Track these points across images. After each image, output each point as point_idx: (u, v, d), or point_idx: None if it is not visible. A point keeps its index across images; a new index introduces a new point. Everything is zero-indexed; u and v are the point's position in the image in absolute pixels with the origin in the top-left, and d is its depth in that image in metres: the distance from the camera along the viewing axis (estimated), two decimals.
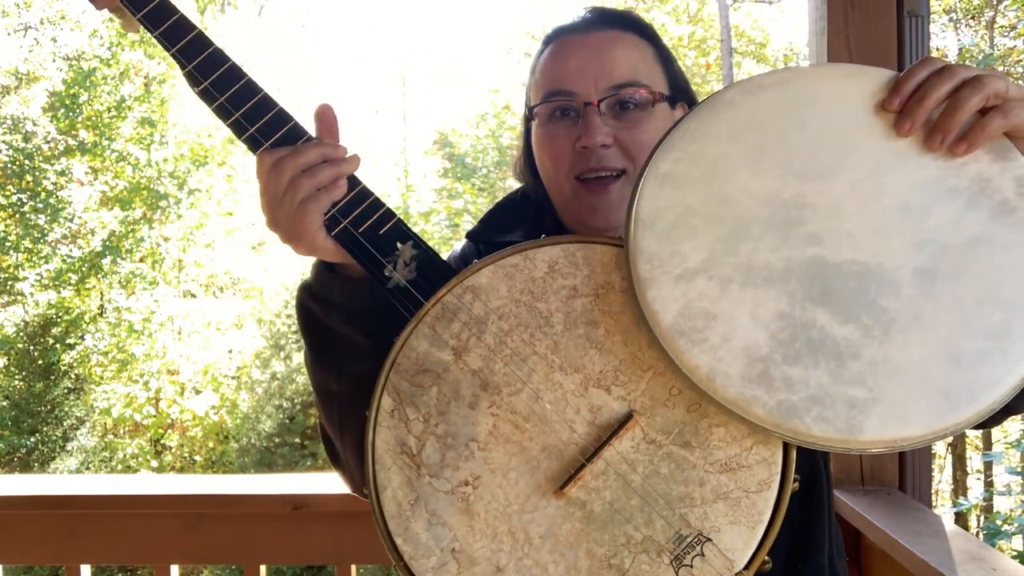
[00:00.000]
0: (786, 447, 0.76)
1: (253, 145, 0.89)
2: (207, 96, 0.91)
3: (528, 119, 1.09)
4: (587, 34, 1.03)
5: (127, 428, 11.20)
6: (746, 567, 0.75)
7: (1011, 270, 0.71)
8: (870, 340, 0.71)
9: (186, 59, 0.91)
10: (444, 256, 1.10)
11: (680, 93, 1.07)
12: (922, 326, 0.70)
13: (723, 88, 0.81)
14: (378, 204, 0.89)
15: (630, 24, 1.06)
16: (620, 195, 1.00)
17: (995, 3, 9.68)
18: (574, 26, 1.06)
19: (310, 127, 0.92)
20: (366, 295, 0.91)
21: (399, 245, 0.87)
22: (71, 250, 11.40)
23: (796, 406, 0.71)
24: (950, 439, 10.41)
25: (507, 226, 1.11)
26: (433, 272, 0.86)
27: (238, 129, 0.90)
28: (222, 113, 0.90)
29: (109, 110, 11.60)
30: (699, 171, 0.78)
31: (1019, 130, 0.74)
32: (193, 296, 12.03)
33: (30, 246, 11.35)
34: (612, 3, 13.22)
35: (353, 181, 0.89)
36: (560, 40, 1.05)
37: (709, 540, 0.76)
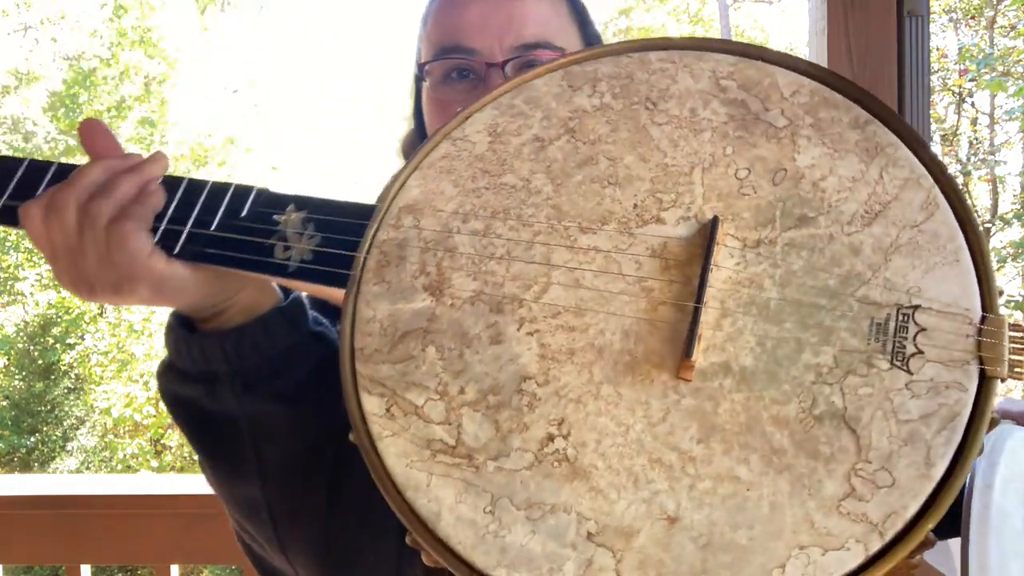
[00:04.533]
0: (916, 149, 0.60)
1: (10, 219, 0.67)
2: None
3: (418, 79, 0.90)
4: None
5: (127, 428, 11.19)
6: (985, 309, 0.54)
7: None
8: None
9: None
10: None
11: None
12: None
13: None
14: (221, 188, 0.66)
15: None
16: None
17: (995, 3, 9.67)
18: None
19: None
20: (259, 339, 0.67)
21: (276, 216, 0.65)
22: None
23: None
24: None
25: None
26: (341, 221, 0.64)
27: None
28: None
29: (109, 110, 11.60)
30: None
31: None
32: None
33: (30, 246, 11.34)
34: (610, 3, 13.23)
35: (171, 181, 0.67)
36: None
37: (916, 306, 0.55)
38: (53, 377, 10.90)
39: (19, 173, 0.68)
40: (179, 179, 0.67)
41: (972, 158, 10.61)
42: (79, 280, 0.63)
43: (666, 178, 0.62)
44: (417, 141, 0.93)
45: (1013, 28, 9.87)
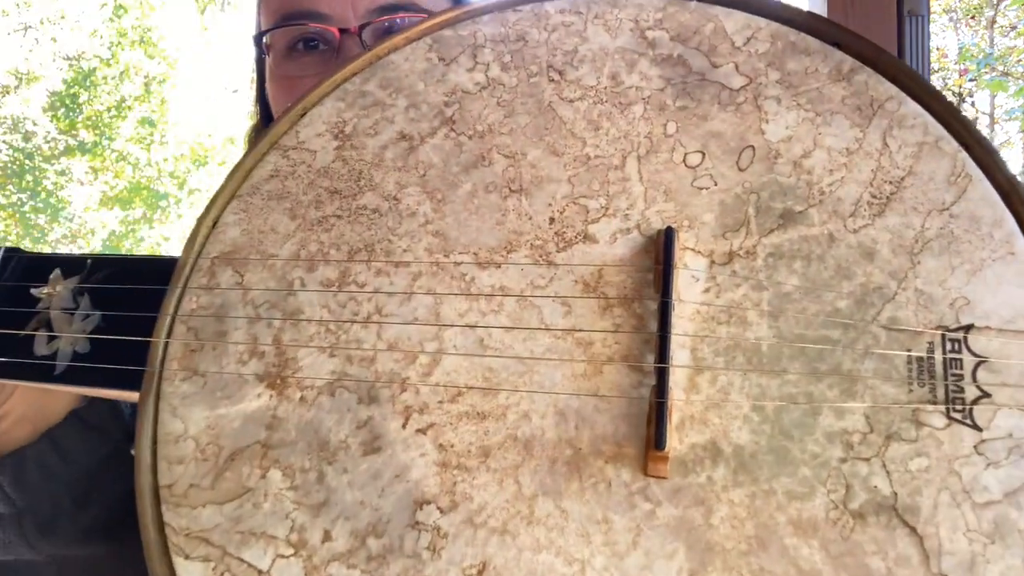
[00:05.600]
0: (925, 101, 0.43)
1: None
2: None
3: (260, 57, 0.75)
4: None
5: None
6: None
7: None
8: None
9: None
10: None
11: None
12: None
13: None
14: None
15: None
16: None
17: (995, 3, 9.64)
18: None
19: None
20: (50, 463, 0.49)
21: (35, 290, 0.45)
22: (71, 250, 11.41)
23: None
24: None
25: None
26: (128, 288, 0.44)
27: None
28: None
29: (109, 110, 11.61)
30: None
31: None
32: None
33: (30, 246, 11.36)
34: None
35: None
36: None
37: (968, 326, 0.38)
38: None
39: None
40: None
41: None
42: None
43: (589, 176, 0.44)
44: (261, 125, 0.76)
45: (1013, 28, 9.84)
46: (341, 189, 0.45)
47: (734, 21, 0.47)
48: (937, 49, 9.72)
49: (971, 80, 9.50)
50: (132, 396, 0.42)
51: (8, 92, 11.95)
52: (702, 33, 0.47)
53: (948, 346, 0.38)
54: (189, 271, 0.44)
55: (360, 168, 0.46)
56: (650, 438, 0.37)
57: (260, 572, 0.38)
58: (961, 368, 0.38)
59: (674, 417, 0.38)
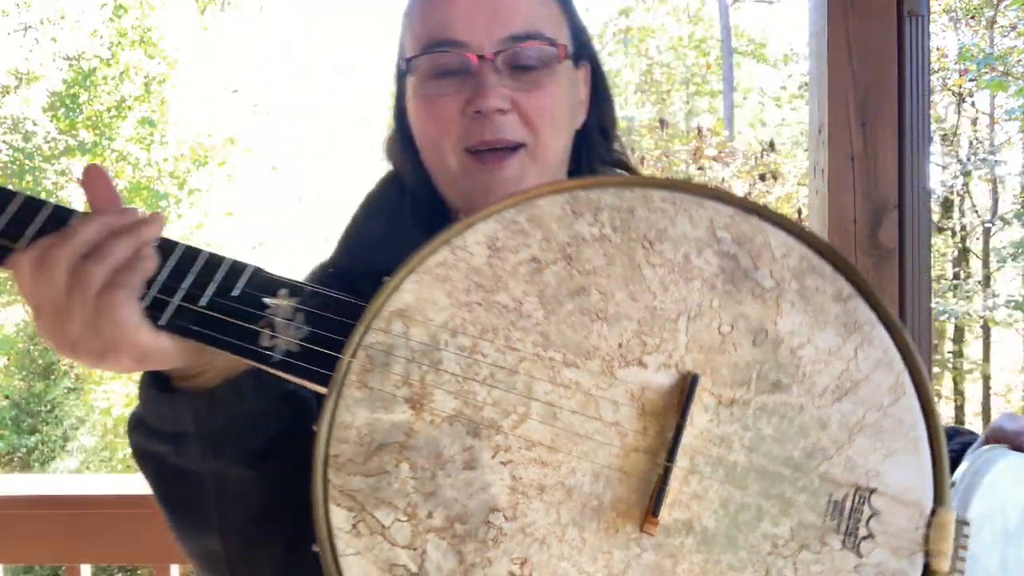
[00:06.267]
0: (891, 331, 0.63)
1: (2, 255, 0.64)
2: None
3: (401, 76, 0.87)
4: None
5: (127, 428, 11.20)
6: (937, 502, 0.58)
7: None
8: None
9: None
10: None
11: (583, 48, 0.88)
12: None
13: None
14: (215, 260, 0.64)
15: None
16: (519, 172, 0.81)
17: (995, 3, 9.67)
18: None
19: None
20: (229, 401, 0.66)
21: (268, 300, 0.63)
22: None
23: None
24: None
25: (382, 244, 0.86)
26: (333, 315, 0.63)
27: None
28: None
29: (109, 110, 11.60)
30: None
31: None
32: None
33: None
34: (610, 3, 13.23)
35: (166, 245, 0.64)
36: None
37: (873, 489, 0.58)
38: (53, 377, 10.88)
39: (12, 209, 0.65)
40: (173, 244, 0.65)
41: (972, 158, 10.61)
42: (62, 340, 0.61)
43: (653, 321, 0.63)
44: (398, 143, 0.90)
45: (1013, 28, 9.86)
46: (485, 285, 0.64)
47: (778, 238, 0.65)
48: (937, 49, 9.74)
49: (971, 80, 9.54)
50: (320, 389, 0.61)
51: (8, 92, 11.96)
52: (754, 242, 0.65)
53: (856, 499, 0.58)
54: (374, 316, 0.62)
55: (500, 274, 0.64)
56: (650, 507, 0.58)
57: (383, 526, 0.56)
58: (861, 515, 0.58)
59: (668, 498, 0.58)
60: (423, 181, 0.88)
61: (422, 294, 0.62)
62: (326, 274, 0.88)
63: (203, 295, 0.63)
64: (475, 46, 0.79)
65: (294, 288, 0.64)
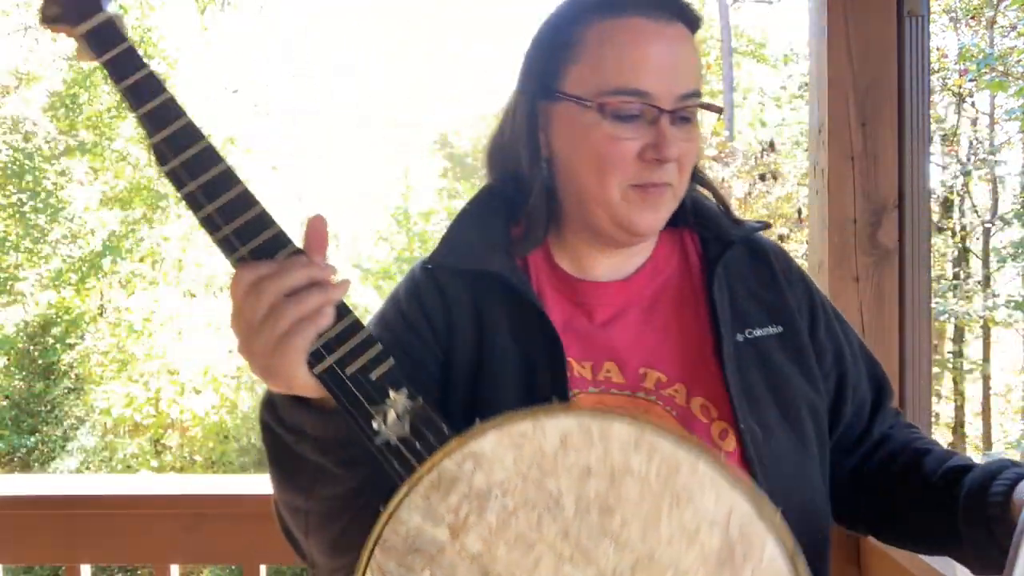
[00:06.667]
0: None
1: (227, 248, 0.76)
2: (175, 179, 0.75)
3: (547, 97, 0.95)
4: (660, 23, 0.90)
5: (127, 428, 11.18)
6: None
7: None
8: None
9: (153, 127, 0.75)
10: (396, 285, 1.04)
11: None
12: None
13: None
14: (370, 341, 0.76)
15: (693, 20, 0.93)
16: (666, 208, 0.94)
17: (995, 3, 9.68)
18: (640, 6, 0.90)
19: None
20: (342, 427, 0.79)
21: (392, 394, 0.75)
22: (71, 250, 11.40)
23: None
24: (950, 439, 10.41)
25: (476, 246, 0.97)
26: (429, 430, 0.75)
27: (210, 225, 0.75)
28: (192, 203, 0.76)
29: (109, 110, 11.60)
30: None
31: None
32: (193, 296, 12.02)
33: (30, 246, 11.35)
34: None
35: (341, 309, 0.76)
36: (631, 22, 0.90)
37: None
38: (53, 377, 10.89)
39: (249, 216, 0.76)
40: (347, 311, 0.76)
41: (972, 158, 10.62)
42: (244, 346, 0.75)
43: (648, 564, 0.71)
44: (526, 149, 0.97)
45: (1013, 28, 9.87)
46: (544, 468, 0.73)
47: (772, 551, 0.72)
48: (937, 49, 9.74)
49: (971, 80, 9.55)
50: (397, 481, 0.73)
51: (8, 92, 11.98)
52: (753, 544, 0.72)
53: None
54: (454, 448, 0.73)
55: (558, 465, 0.73)
56: None
57: None
58: None
59: None
60: (550, 202, 0.99)
61: (497, 450, 0.73)
62: (423, 268, 1.00)
63: (352, 365, 0.76)
64: (660, 99, 0.89)
65: (412, 392, 0.76)
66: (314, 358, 0.74)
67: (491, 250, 0.97)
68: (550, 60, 0.95)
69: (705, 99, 0.95)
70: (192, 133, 0.75)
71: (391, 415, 0.75)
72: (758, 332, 0.97)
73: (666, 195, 0.93)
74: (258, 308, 0.73)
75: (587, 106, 0.91)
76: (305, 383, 0.75)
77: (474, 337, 0.95)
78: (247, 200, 0.76)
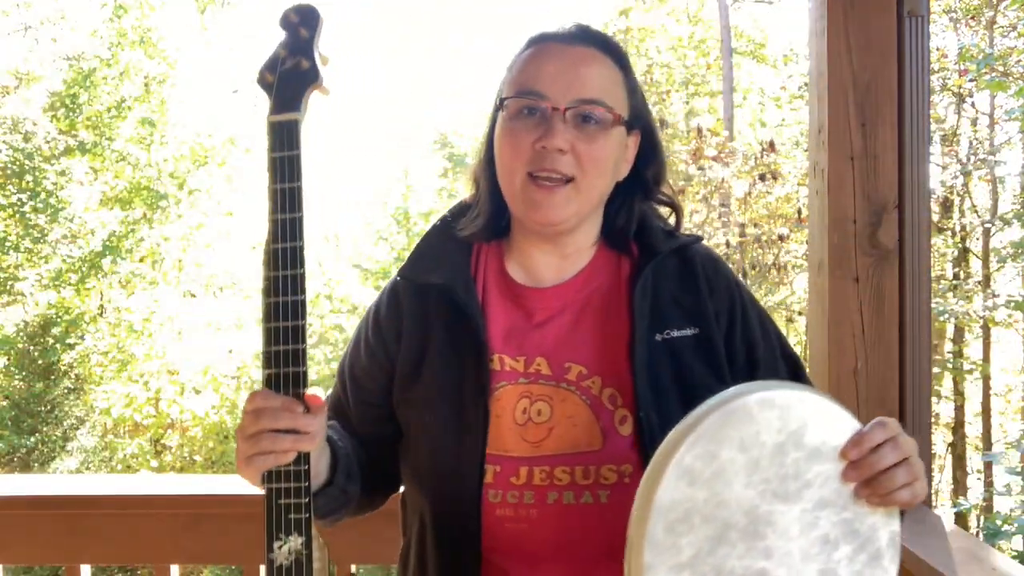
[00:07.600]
0: None
1: (265, 359, 0.97)
2: (273, 263, 0.96)
3: (496, 109, 1.15)
4: (569, 45, 1.10)
5: (127, 428, 11.18)
6: None
7: None
8: None
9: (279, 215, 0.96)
10: (374, 298, 1.20)
11: (637, 121, 1.15)
12: None
13: (746, 393, 0.88)
14: (306, 491, 0.96)
15: (610, 48, 1.12)
16: (564, 199, 1.07)
17: (995, 3, 9.67)
18: (559, 35, 1.12)
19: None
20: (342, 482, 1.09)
21: (293, 535, 0.96)
22: (71, 250, 11.39)
23: None
24: (950, 439, 10.40)
25: (432, 266, 1.15)
26: (299, 572, 0.96)
27: (265, 336, 0.97)
28: (269, 287, 0.96)
29: (109, 110, 11.59)
30: (710, 471, 0.85)
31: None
32: (193, 296, 12.02)
33: (30, 246, 11.34)
34: (610, 3, 13.23)
35: (303, 457, 0.96)
36: (543, 45, 1.12)
37: None
38: (53, 377, 10.88)
39: (295, 369, 0.96)
40: (303, 457, 0.96)
41: (972, 158, 10.61)
42: (237, 434, 0.97)
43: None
44: (483, 159, 1.17)
45: (1013, 28, 9.86)
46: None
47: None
48: (937, 49, 9.70)
49: (971, 80, 9.52)
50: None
51: (8, 92, 11.95)
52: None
53: None
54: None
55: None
56: None
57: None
58: None
59: None
60: (494, 198, 1.14)
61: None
62: (393, 280, 1.19)
63: (283, 499, 0.96)
64: (553, 99, 1.06)
65: (307, 542, 0.97)
66: (265, 476, 0.96)
67: (446, 263, 1.14)
68: (503, 82, 1.14)
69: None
70: (297, 279, 0.95)
71: (285, 548, 0.96)
72: (675, 333, 1.10)
73: (564, 188, 1.06)
74: (249, 428, 0.94)
75: (502, 107, 1.11)
76: (256, 483, 0.98)
77: (419, 344, 1.12)
78: (297, 334, 0.96)
